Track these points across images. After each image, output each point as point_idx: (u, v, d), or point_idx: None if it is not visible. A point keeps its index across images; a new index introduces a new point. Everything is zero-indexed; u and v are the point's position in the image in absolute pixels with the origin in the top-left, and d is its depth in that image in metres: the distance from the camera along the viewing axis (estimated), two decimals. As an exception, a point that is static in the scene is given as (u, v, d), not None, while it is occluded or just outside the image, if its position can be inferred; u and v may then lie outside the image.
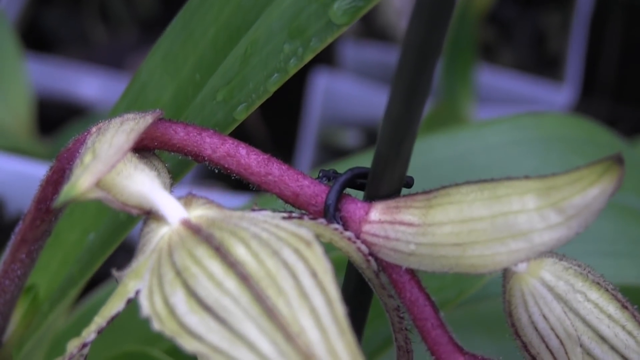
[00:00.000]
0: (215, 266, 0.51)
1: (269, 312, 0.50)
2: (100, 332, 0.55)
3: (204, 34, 0.67)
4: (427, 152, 0.90)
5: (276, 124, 1.62)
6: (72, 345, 0.55)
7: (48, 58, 1.40)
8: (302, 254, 0.52)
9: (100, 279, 0.97)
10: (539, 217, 0.56)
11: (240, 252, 0.51)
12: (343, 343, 0.50)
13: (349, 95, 1.53)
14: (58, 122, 1.45)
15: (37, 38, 1.45)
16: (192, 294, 0.51)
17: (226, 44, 0.66)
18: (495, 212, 0.56)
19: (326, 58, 1.51)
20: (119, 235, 0.72)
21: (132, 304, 0.93)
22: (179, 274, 0.52)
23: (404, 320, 0.62)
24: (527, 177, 0.56)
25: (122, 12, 1.45)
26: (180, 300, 0.51)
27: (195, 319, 0.50)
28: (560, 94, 1.51)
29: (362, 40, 1.45)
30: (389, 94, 0.54)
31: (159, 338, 0.87)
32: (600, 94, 1.60)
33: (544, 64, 1.49)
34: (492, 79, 1.49)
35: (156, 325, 0.52)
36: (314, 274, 0.51)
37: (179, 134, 0.60)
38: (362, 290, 0.66)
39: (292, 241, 0.52)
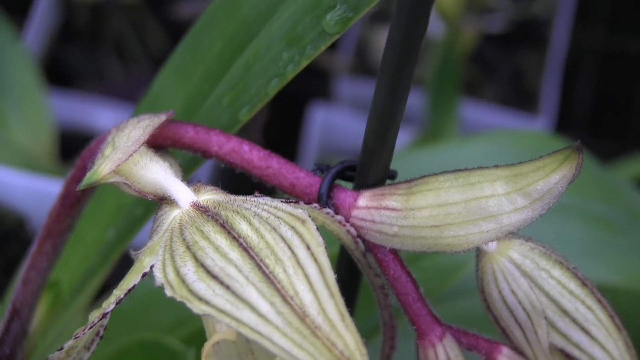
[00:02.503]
0: (221, 240, 0.53)
1: (268, 279, 0.52)
2: (118, 303, 0.57)
3: (211, 48, 0.69)
4: (411, 163, 0.92)
5: (278, 153, 1.64)
6: (93, 316, 0.57)
7: (69, 92, 1.41)
8: (298, 230, 0.54)
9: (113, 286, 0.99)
10: (507, 201, 0.58)
11: (242, 227, 0.54)
12: (332, 304, 0.52)
13: (344, 126, 1.54)
14: (77, 151, 1.47)
15: (59, 74, 1.46)
16: (201, 265, 0.53)
17: (231, 56, 0.67)
18: (469, 197, 0.58)
19: (323, 93, 1.53)
20: (135, 228, 0.73)
21: (149, 304, 0.95)
22: (188, 247, 0.54)
23: (389, 298, 0.63)
24: (496, 166, 0.59)
25: (136, 50, 1.47)
26: (189, 270, 0.53)
27: (203, 286, 0.52)
28: (536, 126, 1.54)
29: (357, 77, 1.47)
30: (374, 90, 0.57)
31: (173, 329, 0.89)
32: (575, 127, 1.62)
33: (522, 99, 1.50)
34: (475, 112, 1.50)
35: (168, 293, 0.54)
36: (307, 247, 0.53)
37: (189, 133, 0.62)
38: (351, 278, 0.68)
39: (288, 219, 0.54)
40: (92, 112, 1.46)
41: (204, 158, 0.63)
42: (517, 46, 1.52)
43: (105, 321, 0.58)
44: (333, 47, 1.53)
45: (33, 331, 0.84)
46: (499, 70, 1.53)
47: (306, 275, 0.52)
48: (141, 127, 0.60)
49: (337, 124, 1.50)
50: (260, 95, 0.64)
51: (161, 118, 0.61)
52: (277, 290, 0.52)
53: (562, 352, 0.63)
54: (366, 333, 0.80)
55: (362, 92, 1.56)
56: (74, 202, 0.70)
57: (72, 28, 1.47)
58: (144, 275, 0.56)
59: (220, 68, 0.68)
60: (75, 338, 0.58)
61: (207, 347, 0.59)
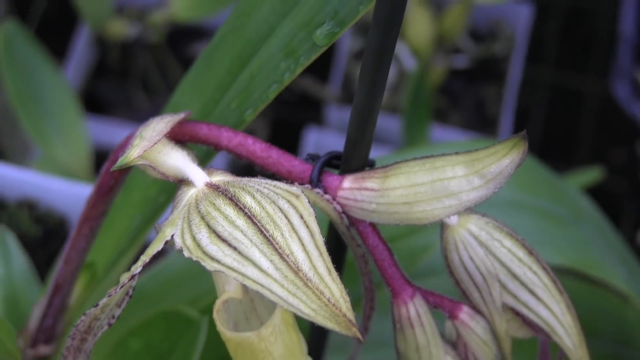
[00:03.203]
0: (229, 210, 0.54)
1: (268, 241, 0.53)
2: (145, 267, 0.58)
3: (222, 63, 0.69)
4: (390, 160, 0.92)
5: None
6: (124, 277, 0.57)
7: (102, 118, 1.41)
8: (293, 203, 0.55)
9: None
10: (466, 181, 0.58)
11: (247, 200, 0.55)
12: (321, 261, 0.53)
13: (332, 146, 1.55)
14: (109, 167, 1.47)
15: (94, 103, 1.46)
16: (213, 231, 0.54)
17: (238, 69, 0.68)
18: (434, 178, 0.59)
19: (317, 119, 1.54)
20: (158, 213, 0.74)
21: (168, 287, 0.94)
22: (203, 218, 0.55)
23: (368, 265, 0.64)
24: (457, 153, 0.59)
25: (158, 83, 1.48)
26: (204, 235, 0.54)
27: (215, 248, 0.53)
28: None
29: (343, 105, 1.48)
30: (356, 91, 0.58)
31: (189, 305, 0.90)
32: (529, 150, 1.62)
33: (483, 124, 1.50)
34: (443, 135, 1.50)
35: (186, 254, 0.55)
36: (301, 216, 0.54)
37: (204, 130, 0.62)
38: (338, 251, 0.69)
39: (285, 195, 0.55)
40: (122, 135, 1.46)
41: (216, 150, 0.64)
42: (479, 80, 1.52)
43: (133, 282, 0.58)
44: (325, 80, 1.54)
45: (71, 305, 0.85)
46: (463, 100, 1.53)
47: (300, 239, 0.54)
48: (164, 122, 0.61)
49: (326, 144, 1.50)
50: (262, 98, 0.65)
51: (180, 116, 0.62)
52: (276, 250, 0.53)
53: (512, 310, 0.63)
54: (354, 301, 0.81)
55: (347, 118, 1.55)
56: (107, 191, 0.70)
57: (105, 65, 1.47)
58: (166, 242, 0.57)
59: (229, 79, 0.69)
60: (109, 296, 0.59)
61: (218, 303, 0.60)
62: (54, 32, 1.57)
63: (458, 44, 1.49)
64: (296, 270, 0.52)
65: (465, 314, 0.63)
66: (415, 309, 0.61)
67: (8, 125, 1.55)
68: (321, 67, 1.54)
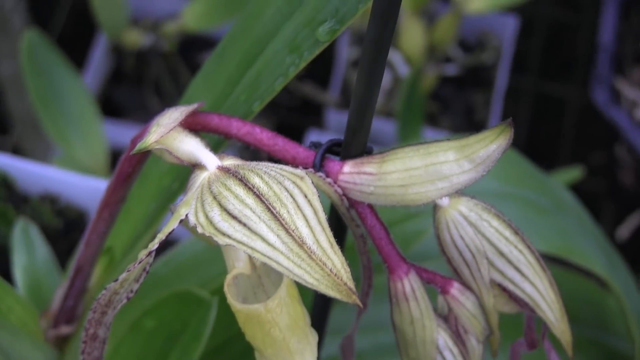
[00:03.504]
0: (239, 190, 0.55)
1: (275, 217, 0.53)
2: (161, 243, 0.58)
3: (231, 61, 0.70)
4: None
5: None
6: (141, 254, 0.58)
7: (118, 121, 1.42)
8: (297, 183, 0.55)
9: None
10: (457, 165, 0.59)
11: (256, 180, 0.55)
12: (324, 236, 0.54)
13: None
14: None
15: (111, 107, 1.46)
16: (224, 209, 0.54)
17: (247, 65, 0.68)
18: (427, 163, 0.59)
19: (318, 122, 1.55)
20: (171, 200, 0.74)
21: (180, 272, 0.95)
22: (215, 197, 0.55)
23: (367, 244, 0.64)
24: (448, 139, 0.60)
25: (171, 88, 1.48)
26: (216, 213, 0.55)
27: (226, 225, 0.54)
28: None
29: (341, 109, 1.49)
30: (355, 81, 0.58)
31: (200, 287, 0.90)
32: (516, 146, 1.62)
33: (472, 128, 1.51)
34: (435, 138, 1.49)
35: (199, 230, 0.55)
36: (305, 196, 0.55)
37: (215, 120, 0.63)
38: (338, 232, 0.69)
39: (290, 176, 0.56)
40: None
41: (227, 139, 0.64)
42: (468, 87, 1.53)
43: (150, 259, 0.59)
44: (325, 86, 1.55)
45: (91, 287, 0.86)
46: (454, 105, 1.53)
47: (304, 215, 0.54)
48: (179, 111, 0.62)
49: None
50: (268, 91, 0.65)
51: (194, 106, 0.63)
52: (282, 225, 0.53)
53: (499, 286, 0.63)
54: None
55: (345, 121, 1.55)
56: (125, 178, 0.71)
57: (121, 72, 1.47)
58: (181, 221, 0.58)
59: (238, 75, 0.69)
60: (128, 271, 0.59)
61: (228, 278, 0.60)
62: (74, 41, 1.57)
63: (448, 53, 1.50)
64: (301, 244, 0.53)
65: (455, 289, 0.63)
66: (410, 284, 0.62)
67: (30, 127, 1.55)
68: (322, 75, 1.55)
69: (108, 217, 0.75)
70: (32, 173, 1.11)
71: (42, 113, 1.27)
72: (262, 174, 0.56)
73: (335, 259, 0.52)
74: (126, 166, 0.70)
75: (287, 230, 0.53)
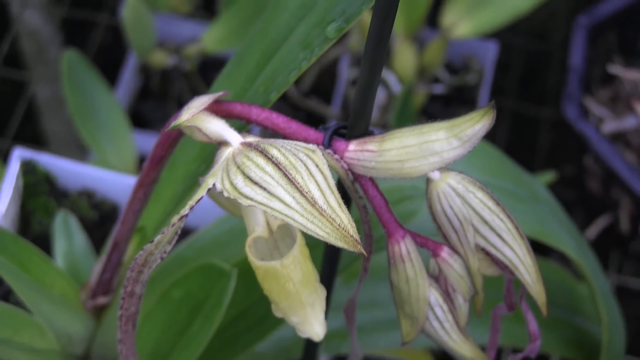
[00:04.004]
0: (260, 160, 0.57)
1: (291, 182, 0.55)
2: (191, 208, 0.60)
3: (251, 60, 0.72)
4: None
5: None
6: (174, 219, 0.60)
7: (146, 132, 1.43)
8: (310, 155, 0.57)
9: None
10: (447, 142, 0.61)
11: (274, 152, 0.57)
12: (333, 198, 0.56)
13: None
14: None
15: (139, 120, 1.47)
16: (247, 176, 0.57)
17: (264, 63, 0.70)
18: (421, 141, 0.61)
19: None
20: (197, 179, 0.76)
21: (203, 252, 0.96)
22: (238, 167, 0.58)
23: (368, 214, 0.66)
24: (440, 121, 0.62)
25: (192, 103, 1.50)
26: (239, 180, 0.57)
27: (248, 189, 0.56)
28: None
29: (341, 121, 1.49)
30: (360, 69, 0.60)
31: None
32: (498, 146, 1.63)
33: None
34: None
35: (225, 194, 0.57)
36: (316, 165, 0.57)
37: (237, 107, 0.65)
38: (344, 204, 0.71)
39: (304, 150, 0.58)
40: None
41: (247, 124, 0.66)
42: (454, 104, 1.54)
43: (181, 224, 0.60)
44: (328, 101, 1.57)
45: (125, 261, 0.87)
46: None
47: (316, 181, 0.56)
48: (206, 97, 0.64)
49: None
50: (284, 83, 0.67)
51: (219, 94, 0.65)
52: (297, 189, 0.56)
53: (483, 250, 0.65)
54: (351, 258, 0.83)
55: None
56: (158, 160, 0.73)
57: (148, 89, 1.49)
58: (209, 190, 0.60)
59: (257, 72, 0.71)
60: (162, 234, 0.61)
61: (249, 240, 0.62)
62: (107, 62, 1.60)
63: (437, 74, 1.52)
64: (313, 204, 0.55)
65: (445, 252, 0.65)
66: (405, 247, 0.64)
67: (64, 143, 1.58)
68: (325, 91, 1.57)
69: (142, 196, 0.76)
70: (72, 171, 1.13)
71: (79, 123, 1.29)
72: (280, 147, 0.58)
73: (343, 216, 0.54)
74: (159, 150, 0.72)
75: (301, 193, 0.55)
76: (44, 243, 1.07)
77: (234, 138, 0.61)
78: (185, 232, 1.11)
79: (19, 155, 1.10)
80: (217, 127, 0.62)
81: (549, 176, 1.28)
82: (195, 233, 0.97)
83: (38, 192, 1.12)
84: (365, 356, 1.10)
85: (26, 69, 1.59)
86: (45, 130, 1.56)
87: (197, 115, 0.62)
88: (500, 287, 0.73)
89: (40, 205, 1.12)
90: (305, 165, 0.57)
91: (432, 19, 1.49)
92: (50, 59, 1.59)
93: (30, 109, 1.58)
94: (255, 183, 0.56)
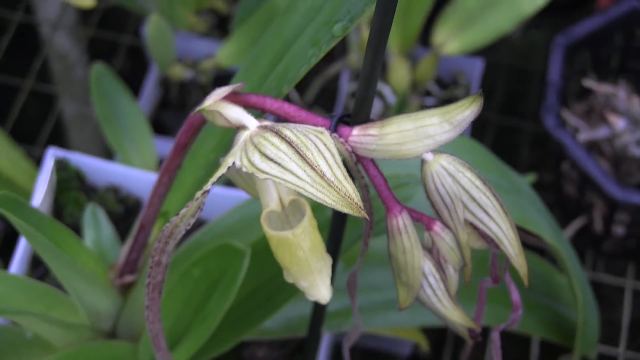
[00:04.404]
0: (275, 139, 0.59)
1: (302, 158, 0.57)
2: (213, 184, 0.61)
3: (265, 59, 0.74)
4: None
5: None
6: (198, 194, 0.62)
7: (165, 138, 1.44)
8: (319, 136, 0.59)
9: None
10: (439, 127, 0.62)
11: (287, 133, 0.59)
12: (340, 171, 0.57)
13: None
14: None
15: (159, 127, 1.49)
16: (262, 154, 0.58)
17: (277, 62, 0.72)
18: (417, 125, 0.63)
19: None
20: (215, 167, 0.78)
21: (220, 238, 0.98)
22: (255, 146, 0.59)
23: (369, 193, 0.68)
24: (433, 108, 0.64)
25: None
26: (256, 157, 0.59)
27: (264, 164, 0.58)
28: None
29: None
30: (363, 60, 0.62)
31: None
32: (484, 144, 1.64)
33: None
34: None
35: (244, 169, 0.59)
36: (324, 144, 0.59)
37: (253, 98, 0.67)
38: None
39: (313, 132, 0.60)
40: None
41: (262, 113, 0.68)
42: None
43: (204, 199, 0.62)
44: (330, 111, 1.59)
45: (150, 243, 0.89)
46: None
47: (324, 157, 0.58)
48: (226, 87, 0.66)
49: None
50: (295, 77, 0.69)
51: (238, 85, 0.67)
52: (308, 163, 0.57)
53: (471, 225, 0.67)
54: (353, 239, 0.85)
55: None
56: (182, 147, 0.75)
57: (168, 99, 1.51)
58: (229, 167, 0.61)
59: (271, 69, 0.73)
60: (187, 207, 0.63)
61: (263, 214, 0.64)
62: (131, 75, 1.62)
63: (428, 88, 1.53)
64: (322, 176, 0.57)
65: (438, 226, 0.66)
66: (402, 220, 0.65)
67: (93, 147, 1.60)
68: (328, 103, 1.59)
69: (167, 181, 0.78)
70: (100, 169, 1.15)
71: (106, 128, 1.30)
72: (292, 129, 0.60)
73: (348, 187, 0.56)
74: (183, 137, 0.74)
75: (311, 167, 0.57)
76: (75, 233, 1.09)
77: (251, 122, 0.63)
78: (199, 224, 1.13)
79: (52, 154, 1.12)
80: (236, 113, 0.64)
81: (530, 177, 1.30)
82: (209, 222, 0.99)
83: (69, 187, 1.14)
84: (364, 333, 1.12)
85: (55, 84, 1.61)
86: (71, 143, 1.58)
87: (218, 102, 0.64)
88: (485, 269, 0.74)
89: (72, 199, 1.13)
90: (314, 144, 0.59)
91: (424, 38, 1.52)
92: (76, 78, 1.61)
93: (60, 121, 1.60)
94: (271, 159, 0.58)
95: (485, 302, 0.74)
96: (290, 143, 0.59)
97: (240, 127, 0.64)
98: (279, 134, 0.59)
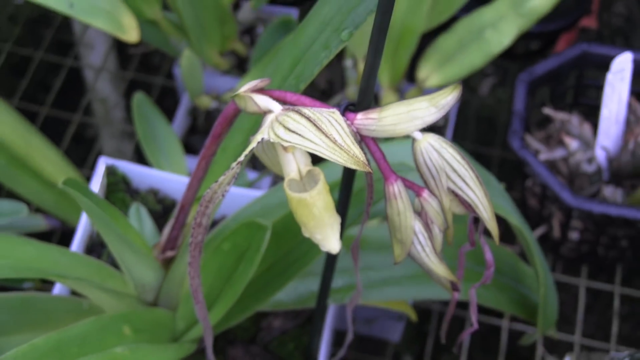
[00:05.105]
0: (296, 116, 0.62)
1: (319, 129, 0.61)
2: (246, 156, 0.64)
3: (284, 64, 0.76)
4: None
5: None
6: (234, 164, 0.65)
7: (193, 157, 1.47)
8: (331, 114, 0.63)
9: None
10: (427, 110, 0.66)
11: (306, 111, 0.62)
12: (349, 139, 0.61)
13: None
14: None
15: (189, 149, 1.51)
16: (286, 127, 0.62)
17: (295, 66, 0.75)
18: (409, 109, 0.66)
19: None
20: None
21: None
22: (280, 122, 0.63)
23: (370, 167, 0.72)
24: (423, 96, 0.69)
25: (229, 136, 1.55)
26: (281, 131, 0.62)
27: (288, 135, 0.61)
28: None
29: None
30: (366, 54, 0.66)
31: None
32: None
33: None
34: None
35: (271, 139, 0.62)
36: (337, 121, 0.62)
37: (276, 93, 0.69)
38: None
39: (326, 112, 0.63)
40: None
41: (284, 104, 0.72)
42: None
43: (238, 168, 0.65)
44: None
45: (188, 222, 0.92)
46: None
47: (336, 129, 0.61)
48: (255, 81, 0.71)
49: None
50: (310, 75, 0.72)
51: (265, 80, 0.71)
52: (323, 133, 0.61)
53: (453, 192, 0.69)
54: (356, 217, 0.88)
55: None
56: (218, 136, 0.78)
57: (196, 126, 1.54)
58: (259, 142, 0.65)
59: (290, 71, 0.76)
60: (224, 175, 0.67)
61: (286, 181, 0.66)
62: (166, 105, 1.67)
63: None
64: (334, 142, 0.60)
65: (426, 193, 0.69)
66: (397, 187, 0.68)
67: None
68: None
69: (204, 166, 0.82)
70: (142, 174, 1.18)
71: (145, 147, 1.35)
72: (309, 109, 0.64)
73: (356, 150, 0.60)
74: (219, 128, 0.78)
75: (326, 135, 0.61)
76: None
77: (276, 106, 0.67)
78: (221, 218, 1.16)
79: (103, 161, 1.16)
80: (264, 101, 0.68)
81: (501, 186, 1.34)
82: (232, 213, 1.02)
83: (117, 189, 1.18)
84: (361, 305, 1.15)
85: (96, 125, 1.66)
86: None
87: (248, 92, 0.68)
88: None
89: (119, 199, 1.17)
90: (328, 119, 0.63)
91: (410, 73, 1.56)
92: (115, 119, 1.65)
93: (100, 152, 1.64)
94: (293, 131, 0.62)
95: (464, 266, 0.77)
96: (308, 118, 0.62)
97: (267, 112, 0.68)
98: (299, 112, 0.63)
